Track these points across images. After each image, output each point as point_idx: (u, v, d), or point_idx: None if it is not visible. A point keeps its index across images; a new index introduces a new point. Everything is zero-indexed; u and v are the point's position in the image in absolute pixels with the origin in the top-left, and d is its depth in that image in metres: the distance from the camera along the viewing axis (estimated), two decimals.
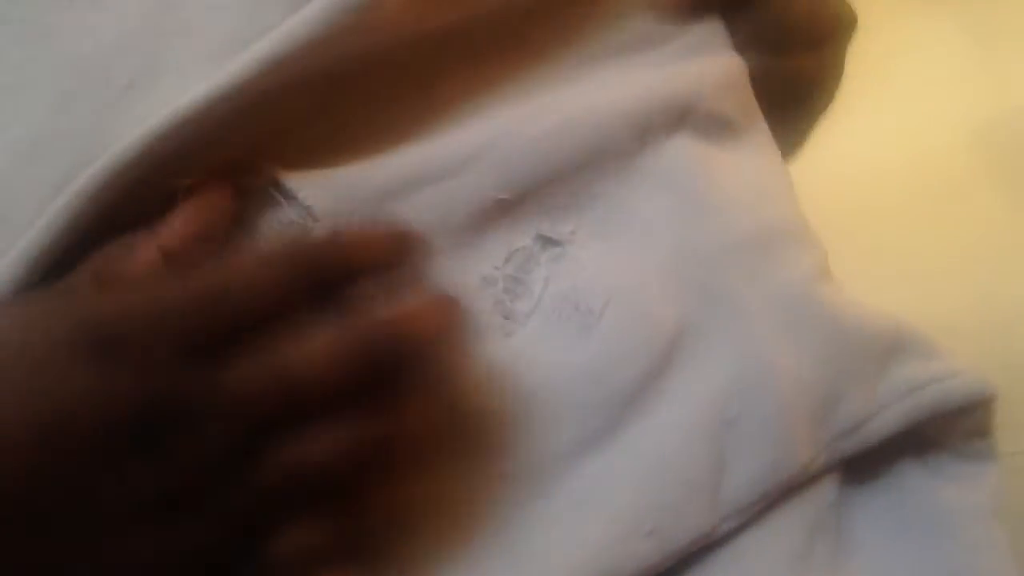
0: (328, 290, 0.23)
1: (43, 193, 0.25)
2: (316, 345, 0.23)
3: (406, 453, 0.24)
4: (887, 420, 0.29)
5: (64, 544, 0.21)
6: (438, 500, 0.26)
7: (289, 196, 0.27)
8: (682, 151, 0.30)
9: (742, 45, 0.33)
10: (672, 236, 0.29)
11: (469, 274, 0.29)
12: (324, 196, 0.27)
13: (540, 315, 0.28)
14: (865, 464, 0.31)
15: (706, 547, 0.27)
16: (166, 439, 0.21)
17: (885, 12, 1.48)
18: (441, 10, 0.28)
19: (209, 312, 0.22)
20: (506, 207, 0.29)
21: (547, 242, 0.29)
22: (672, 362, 0.28)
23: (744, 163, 0.32)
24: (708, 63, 0.32)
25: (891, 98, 1.38)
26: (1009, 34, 1.45)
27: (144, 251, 0.24)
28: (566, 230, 0.29)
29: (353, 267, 0.24)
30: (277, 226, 0.27)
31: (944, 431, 0.30)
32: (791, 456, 0.27)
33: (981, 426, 0.30)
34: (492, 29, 0.29)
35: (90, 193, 0.25)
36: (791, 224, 0.31)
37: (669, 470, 0.27)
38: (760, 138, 0.33)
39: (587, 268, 0.29)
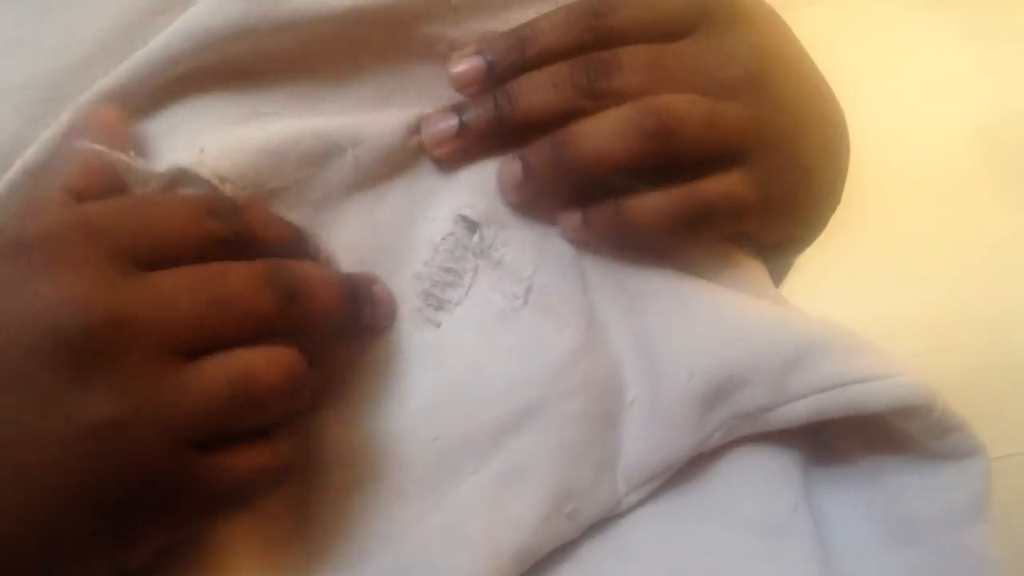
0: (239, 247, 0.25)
1: None
2: (242, 271, 0.24)
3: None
4: (794, 410, 0.29)
5: None
6: (367, 462, 0.28)
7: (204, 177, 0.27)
8: None
9: None
10: None
11: (400, 272, 0.29)
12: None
13: (469, 302, 0.30)
14: (843, 470, 0.32)
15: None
16: (105, 351, 0.22)
17: (886, 14, 1.46)
18: None
19: (138, 227, 0.24)
20: (433, 198, 0.30)
21: (470, 224, 0.30)
22: (585, 346, 0.29)
23: None
24: None
25: (892, 99, 1.36)
26: (1011, 37, 1.43)
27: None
28: (485, 208, 0.30)
29: (264, 235, 0.26)
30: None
31: (910, 434, 0.30)
32: (677, 437, 0.29)
33: (938, 428, 0.29)
34: (419, 19, 0.30)
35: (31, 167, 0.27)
36: None
37: (583, 451, 0.29)
38: None
39: (509, 254, 0.30)
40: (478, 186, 0.30)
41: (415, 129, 0.30)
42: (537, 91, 0.29)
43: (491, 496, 0.28)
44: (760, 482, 0.30)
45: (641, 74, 0.29)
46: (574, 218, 0.30)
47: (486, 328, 0.29)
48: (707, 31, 0.31)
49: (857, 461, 0.31)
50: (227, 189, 0.27)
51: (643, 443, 0.29)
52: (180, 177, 0.27)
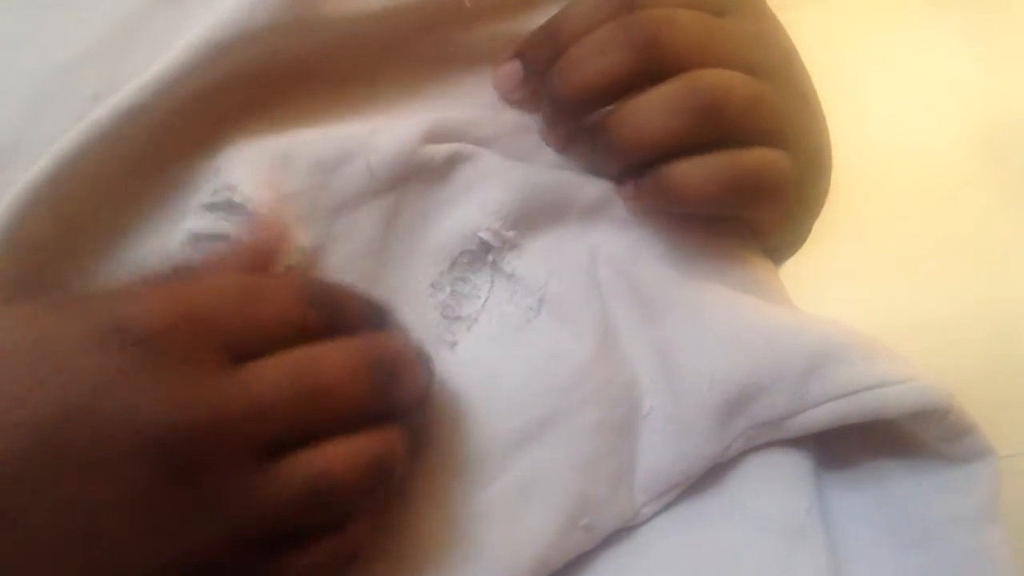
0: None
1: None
2: (338, 357, 0.24)
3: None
4: (813, 418, 0.29)
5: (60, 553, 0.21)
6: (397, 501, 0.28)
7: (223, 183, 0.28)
8: None
9: None
10: (590, 241, 0.31)
11: (417, 281, 0.29)
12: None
13: (485, 316, 0.29)
14: (853, 473, 0.32)
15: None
16: (199, 458, 0.22)
17: (887, 14, 1.46)
18: None
19: (240, 319, 0.23)
20: (449, 210, 0.30)
21: (489, 246, 0.30)
22: (600, 356, 0.29)
23: None
24: None
25: (893, 100, 1.37)
26: (1010, 38, 1.44)
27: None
28: (502, 228, 0.30)
29: (354, 319, 0.26)
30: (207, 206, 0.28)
31: (920, 437, 0.30)
32: (696, 447, 0.29)
33: (952, 431, 0.29)
34: (433, 26, 0.31)
35: (43, 177, 0.26)
36: (716, 244, 0.32)
37: (600, 463, 0.29)
38: None
39: (521, 268, 0.30)
40: (494, 202, 0.30)
41: (429, 137, 0.30)
42: (590, 64, 0.29)
43: (507, 508, 0.28)
44: (776, 484, 0.30)
45: (694, 36, 0.29)
46: (628, 189, 0.30)
47: (502, 341, 0.29)
48: (740, 15, 0.32)
49: (866, 464, 0.31)
50: (237, 196, 0.28)
51: (661, 454, 0.29)
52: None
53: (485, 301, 0.30)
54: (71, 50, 0.28)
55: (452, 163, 0.30)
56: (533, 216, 0.30)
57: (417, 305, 0.30)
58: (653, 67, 0.29)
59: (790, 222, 0.34)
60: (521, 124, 0.32)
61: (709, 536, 0.29)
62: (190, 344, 0.22)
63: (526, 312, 0.30)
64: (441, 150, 0.30)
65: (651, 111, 0.29)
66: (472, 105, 0.31)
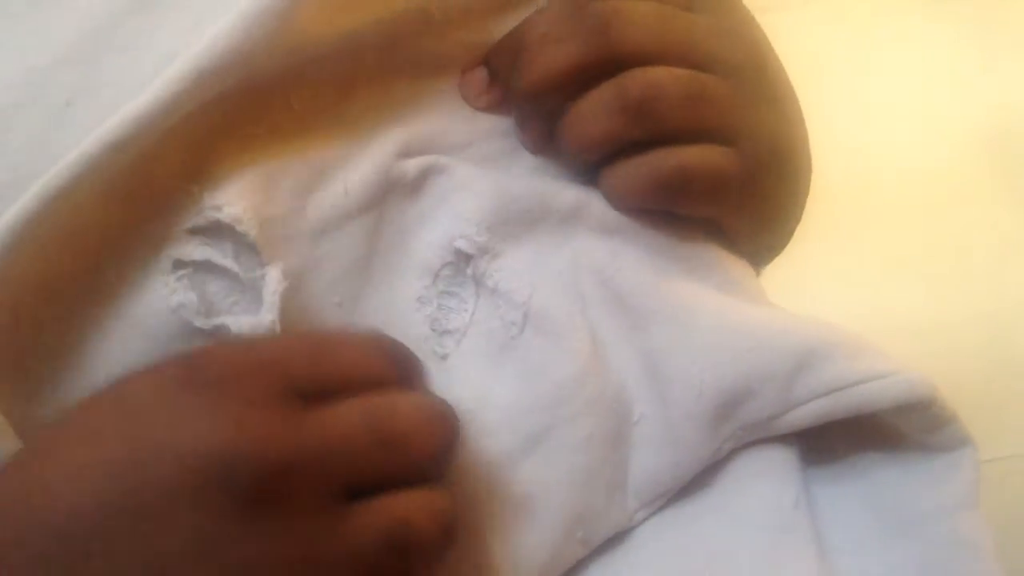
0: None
1: None
2: (410, 406, 0.24)
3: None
4: (800, 416, 0.30)
5: None
6: None
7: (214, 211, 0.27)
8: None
9: None
10: (571, 250, 0.31)
11: (404, 296, 0.29)
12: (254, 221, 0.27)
13: (474, 330, 0.29)
14: (836, 466, 0.32)
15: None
16: (274, 499, 0.21)
17: (887, 13, 1.45)
18: (350, 13, 0.29)
19: (310, 362, 0.24)
20: (426, 223, 0.30)
21: (467, 256, 0.30)
22: (588, 368, 0.30)
23: None
24: None
25: (894, 99, 1.37)
26: (1011, 36, 1.44)
27: None
28: (479, 238, 0.30)
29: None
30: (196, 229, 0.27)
31: (902, 428, 0.31)
32: (687, 453, 0.30)
33: (934, 422, 0.30)
34: (403, 38, 0.31)
35: (28, 216, 0.25)
36: (693, 244, 0.32)
37: (593, 475, 0.29)
38: None
39: (503, 281, 0.30)
40: (471, 213, 0.30)
41: (404, 151, 0.30)
42: (545, 55, 0.30)
43: (502, 526, 0.28)
44: (762, 479, 0.30)
45: (647, 28, 0.30)
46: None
47: (489, 357, 0.30)
48: (710, 10, 0.32)
49: (849, 456, 0.32)
50: (224, 217, 0.27)
51: (653, 460, 0.30)
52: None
53: (472, 314, 0.30)
54: (42, 56, 0.27)
55: (425, 176, 0.30)
56: (510, 224, 0.30)
57: (405, 320, 0.30)
58: (605, 58, 0.29)
59: (755, 223, 0.34)
60: (495, 130, 0.32)
61: (697, 534, 0.30)
62: (263, 387, 0.22)
63: (510, 328, 0.30)
64: (414, 164, 0.30)
65: (590, 112, 0.29)
66: (446, 114, 0.31)
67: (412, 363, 0.26)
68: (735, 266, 0.33)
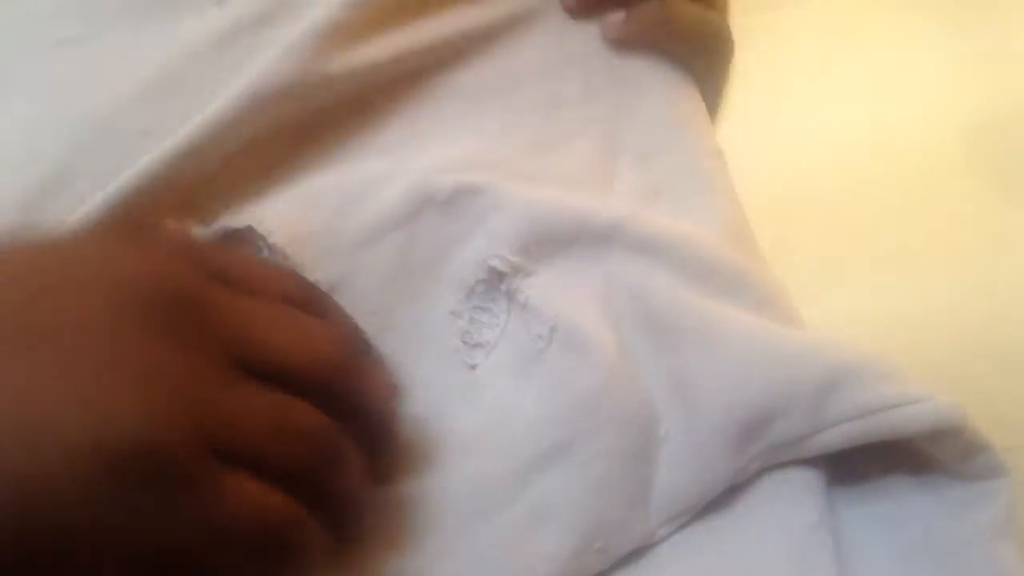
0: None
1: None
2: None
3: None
4: (830, 438, 0.30)
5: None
6: (403, 510, 0.29)
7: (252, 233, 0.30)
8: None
9: None
10: (604, 269, 0.32)
11: (437, 309, 0.30)
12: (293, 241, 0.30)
13: (504, 343, 0.30)
14: (865, 488, 0.32)
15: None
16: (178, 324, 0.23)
17: (873, 11, 1.41)
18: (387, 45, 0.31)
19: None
20: (462, 241, 0.31)
21: (501, 274, 0.31)
22: (612, 383, 0.30)
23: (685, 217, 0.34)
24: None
25: (880, 95, 1.35)
26: (996, 32, 1.42)
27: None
28: (512, 257, 0.31)
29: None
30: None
31: (934, 454, 0.30)
32: (713, 470, 0.30)
33: (966, 450, 0.30)
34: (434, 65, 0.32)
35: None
36: (728, 264, 0.32)
37: (614, 487, 0.30)
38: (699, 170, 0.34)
39: (533, 299, 0.31)
40: (504, 233, 0.31)
41: (438, 171, 0.32)
42: None
43: (520, 532, 0.29)
44: (786, 498, 0.30)
45: None
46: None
47: (516, 369, 0.30)
48: None
49: (878, 479, 0.32)
50: (263, 231, 0.29)
51: (678, 477, 0.30)
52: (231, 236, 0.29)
53: (503, 328, 0.31)
54: (119, 92, 0.30)
55: (459, 194, 0.32)
56: (544, 245, 0.31)
57: (438, 332, 0.31)
58: None
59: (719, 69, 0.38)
60: (526, 149, 0.33)
61: (719, 552, 0.30)
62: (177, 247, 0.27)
63: (538, 342, 0.30)
64: (447, 182, 0.31)
65: None
66: (478, 134, 0.33)
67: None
68: (769, 284, 0.33)
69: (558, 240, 0.31)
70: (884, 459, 0.31)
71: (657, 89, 0.35)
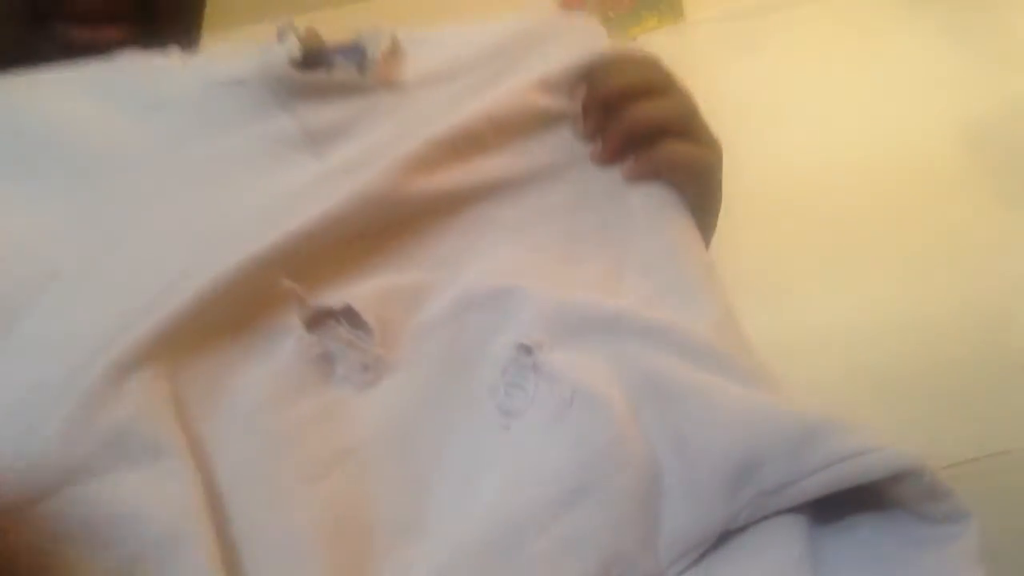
0: None
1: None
2: None
3: None
4: (811, 484, 0.35)
5: None
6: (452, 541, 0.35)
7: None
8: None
9: None
10: (614, 347, 0.39)
11: (479, 385, 0.38)
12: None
13: (532, 408, 0.37)
14: (841, 533, 0.37)
15: None
16: None
17: (873, 15, 1.44)
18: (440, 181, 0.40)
19: None
20: (500, 331, 0.39)
21: (528, 350, 0.38)
22: (624, 437, 0.36)
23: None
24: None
25: (880, 99, 1.38)
26: (992, 36, 1.40)
27: None
28: (538, 337, 0.39)
29: None
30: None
31: (900, 498, 0.35)
32: (710, 512, 0.35)
33: (930, 492, 0.34)
34: (482, 197, 0.42)
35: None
36: (717, 348, 0.39)
37: (628, 524, 0.35)
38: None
39: (557, 369, 0.38)
40: (532, 321, 0.39)
41: (482, 277, 0.40)
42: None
43: (550, 560, 0.34)
44: (774, 535, 0.35)
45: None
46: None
47: (543, 427, 0.37)
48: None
49: (857, 522, 0.36)
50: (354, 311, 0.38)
51: (681, 521, 0.35)
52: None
53: (532, 397, 0.38)
54: (234, 214, 0.39)
55: (497, 295, 0.40)
56: (564, 328, 0.39)
57: (478, 404, 0.38)
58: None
59: (711, 205, 0.47)
60: (548, 265, 0.42)
61: None
62: None
63: (562, 403, 0.37)
64: (487, 285, 0.40)
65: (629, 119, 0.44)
66: (511, 255, 0.42)
67: None
68: (752, 364, 0.39)
69: (575, 325, 0.39)
70: (864, 507, 0.36)
71: (657, 220, 0.43)
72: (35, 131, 0.39)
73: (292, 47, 0.41)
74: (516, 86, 0.43)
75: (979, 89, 1.35)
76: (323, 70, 0.42)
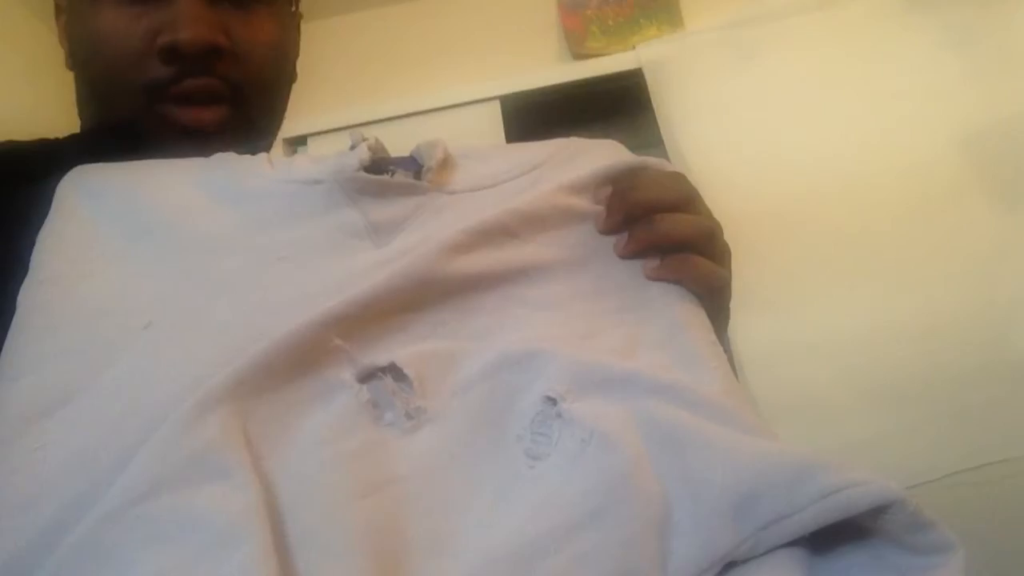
0: None
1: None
2: None
3: None
4: (806, 517, 0.38)
5: None
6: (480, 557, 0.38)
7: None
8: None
9: None
10: (628, 401, 0.44)
11: (508, 434, 0.43)
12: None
13: (555, 452, 0.41)
14: (836, 568, 0.40)
15: None
16: None
17: (872, 23, 1.46)
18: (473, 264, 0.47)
19: None
20: (527, 389, 0.44)
21: (553, 401, 0.43)
22: (636, 472, 0.40)
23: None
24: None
25: (879, 107, 1.36)
26: (992, 44, 1.40)
27: None
28: (562, 390, 0.44)
29: None
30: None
31: (889, 532, 0.38)
32: (716, 541, 0.39)
33: (915, 523, 0.38)
34: (511, 280, 0.49)
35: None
36: (721, 403, 0.44)
37: (639, 546, 0.39)
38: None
39: (577, 416, 0.43)
40: (557, 377, 0.44)
41: (513, 342, 0.46)
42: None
43: (567, 571, 0.38)
44: (774, 565, 0.38)
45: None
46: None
47: (564, 465, 0.41)
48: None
49: (850, 563, 0.39)
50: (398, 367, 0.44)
51: (689, 548, 0.39)
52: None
53: (555, 443, 0.42)
54: (304, 290, 0.46)
55: (527, 357, 0.46)
56: (584, 384, 0.44)
57: (507, 452, 0.43)
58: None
59: (723, 311, 0.53)
60: (571, 337, 0.47)
61: None
62: None
63: (581, 444, 0.42)
64: (519, 348, 0.46)
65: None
66: (538, 331, 0.47)
67: None
68: (755, 419, 0.44)
69: (595, 382, 0.44)
70: (856, 541, 0.39)
71: (671, 306, 0.49)
72: (149, 207, 0.47)
73: (362, 154, 0.49)
74: (546, 188, 0.50)
75: (977, 98, 1.36)
76: (386, 175, 0.50)
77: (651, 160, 0.53)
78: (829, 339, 1.28)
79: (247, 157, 0.51)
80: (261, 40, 0.61)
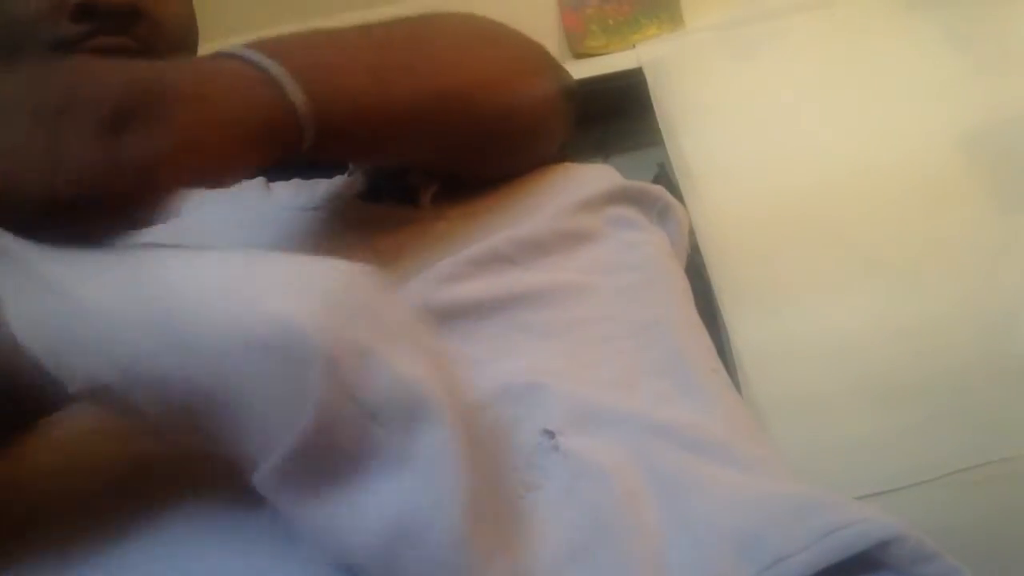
0: None
1: None
2: None
3: None
4: (808, 557, 0.38)
5: None
6: None
7: None
8: None
9: None
10: (627, 440, 0.44)
11: (507, 466, 0.43)
12: None
13: (550, 483, 0.42)
14: None
15: None
16: None
17: (873, 20, 1.43)
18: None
19: None
20: (526, 420, 0.44)
21: (551, 435, 0.43)
22: (626, 507, 0.41)
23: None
24: None
25: (880, 104, 1.35)
26: (994, 42, 1.38)
27: None
28: (561, 424, 0.44)
29: None
30: None
31: (892, 564, 0.38)
32: None
33: (918, 555, 0.38)
34: (512, 307, 0.49)
35: None
36: (720, 440, 0.44)
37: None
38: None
39: (573, 449, 0.43)
40: (556, 411, 0.45)
41: (513, 374, 0.46)
42: None
43: None
44: None
45: None
46: None
47: (557, 499, 0.41)
48: None
49: None
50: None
51: None
52: None
53: (548, 475, 0.42)
54: None
55: (527, 389, 0.46)
56: (582, 419, 0.44)
57: (504, 481, 0.43)
58: None
59: None
60: (571, 367, 0.47)
61: None
62: None
63: (575, 477, 0.42)
64: (521, 380, 0.46)
65: None
66: (538, 358, 0.47)
67: None
68: (757, 454, 0.44)
69: (593, 419, 0.44)
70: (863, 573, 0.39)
71: (671, 331, 0.49)
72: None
73: (358, 181, 0.49)
74: (545, 214, 0.50)
75: (977, 96, 1.35)
76: (384, 203, 0.50)
77: (651, 186, 0.54)
78: (826, 338, 1.26)
79: (245, 183, 0.51)
80: (176, 11, 0.60)
